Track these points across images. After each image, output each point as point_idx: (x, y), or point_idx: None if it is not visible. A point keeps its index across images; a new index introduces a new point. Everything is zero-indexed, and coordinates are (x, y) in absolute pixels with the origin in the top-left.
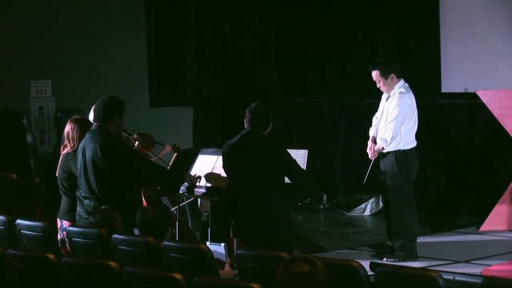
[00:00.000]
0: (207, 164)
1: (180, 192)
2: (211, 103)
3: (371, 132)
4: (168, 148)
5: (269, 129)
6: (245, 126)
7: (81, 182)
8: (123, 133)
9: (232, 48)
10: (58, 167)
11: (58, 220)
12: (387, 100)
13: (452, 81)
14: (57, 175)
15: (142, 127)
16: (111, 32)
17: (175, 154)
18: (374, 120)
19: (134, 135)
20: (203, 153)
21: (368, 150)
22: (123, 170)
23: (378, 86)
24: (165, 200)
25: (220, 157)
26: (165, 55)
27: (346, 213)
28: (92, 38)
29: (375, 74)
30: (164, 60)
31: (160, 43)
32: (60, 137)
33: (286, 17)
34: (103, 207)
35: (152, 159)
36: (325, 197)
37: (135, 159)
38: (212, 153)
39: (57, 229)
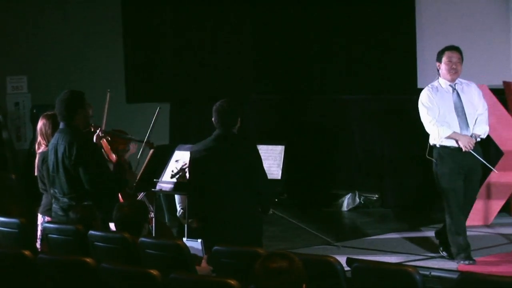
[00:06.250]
0: (184, 160)
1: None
2: (188, 99)
3: (451, 129)
4: (133, 149)
5: (238, 125)
6: (214, 124)
7: (55, 181)
8: (92, 126)
9: (209, 44)
10: (36, 166)
11: (40, 215)
12: (454, 91)
13: (428, 77)
14: (36, 174)
15: (118, 123)
16: (87, 28)
17: (151, 151)
18: (434, 115)
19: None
20: (179, 149)
21: (468, 143)
22: (79, 171)
23: (453, 69)
24: (141, 196)
25: None
26: (142, 50)
27: (323, 209)
28: (68, 34)
29: (458, 56)
30: (140, 55)
31: (137, 39)
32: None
33: (263, 13)
34: (85, 203)
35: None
36: (271, 211)
37: (91, 164)
38: (189, 149)
39: (37, 224)
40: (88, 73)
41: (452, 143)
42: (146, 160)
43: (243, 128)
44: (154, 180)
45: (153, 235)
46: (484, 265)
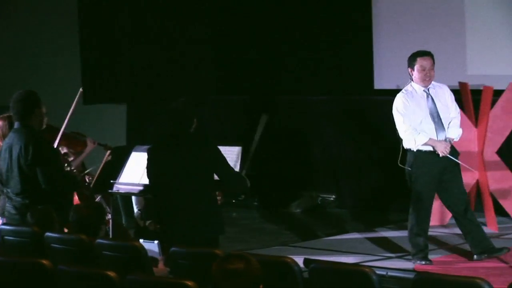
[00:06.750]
0: (141, 161)
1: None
2: (146, 100)
3: (427, 136)
4: (90, 144)
5: (195, 125)
6: (170, 125)
7: (9, 180)
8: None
9: (167, 44)
10: None
11: None
12: (428, 96)
13: (385, 77)
14: None
15: (75, 124)
16: (44, 28)
17: (108, 152)
18: (410, 122)
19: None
20: (136, 150)
21: (444, 149)
22: (36, 170)
23: (427, 76)
24: (98, 197)
25: None
26: (99, 51)
27: (280, 210)
28: (23, 34)
29: (431, 62)
30: (97, 56)
31: (93, 40)
32: None
33: (221, 13)
34: (43, 206)
35: (77, 160)
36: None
37: (47, 164)
38: (146, 151)
39: None
40: (44, 74)
41: (428, 148)
42: (103, 162)
43: (202, 128)
44: (111, 181)
45: (110, 236)
46: (440, 265)
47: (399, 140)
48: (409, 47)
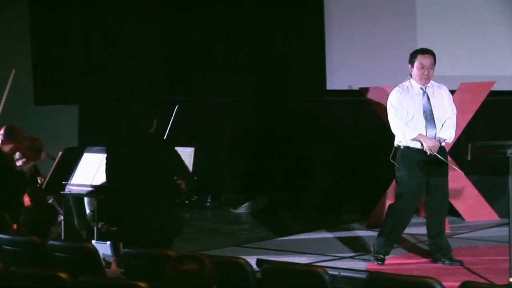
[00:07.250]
0: (93, 162)
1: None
2: (98, 101)
3: (417, 132)
4: (42, 158)
5: (154, 127)
6: (130, 127)
7: None
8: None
9: (119, 45)
10: None
11: None
12: (424, 94)
13: (337, 78)
14: None
15: (27, 125)
16: None
17: (60, 152)
18: (401, 116)
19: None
20: (88, 152)
21: (433, 147)
22: None
23: (425, 75)
24: (51, 199)
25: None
26: (50, 52)
27: (233, 210)
28: None
29: (431, 61)
30: (49, 57)
31: (45, 41)
32: None
33: (173, 14)
34: None
35: (25, 166)
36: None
37: None
38: (98, 151)
39: None
40: None
41: (416, 145)
42: (55, 163)
43: (157, 130)
44: (63, 182)
45: (62, 238)
46: (392, 265)
47: (392, 137)
48: (361, 48)
